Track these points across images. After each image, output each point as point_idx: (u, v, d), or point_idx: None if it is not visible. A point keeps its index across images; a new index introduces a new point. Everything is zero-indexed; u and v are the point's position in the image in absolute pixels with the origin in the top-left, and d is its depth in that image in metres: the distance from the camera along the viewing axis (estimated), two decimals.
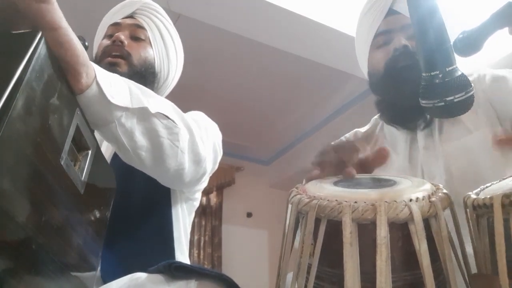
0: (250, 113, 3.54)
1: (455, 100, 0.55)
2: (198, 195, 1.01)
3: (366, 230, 0.40)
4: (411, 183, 0.47)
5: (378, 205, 0.40)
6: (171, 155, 0.70)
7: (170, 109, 0.71)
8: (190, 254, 3.48)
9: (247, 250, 4.03)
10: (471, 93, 0.55)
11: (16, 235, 0.37)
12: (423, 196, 0.42)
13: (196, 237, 3.80)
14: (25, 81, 0.38)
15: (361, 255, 0.39)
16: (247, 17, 2.23)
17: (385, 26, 0.90)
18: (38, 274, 0.42)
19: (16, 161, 0.36)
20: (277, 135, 3.89)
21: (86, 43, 0.78)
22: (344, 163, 0.54)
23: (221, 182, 4.03)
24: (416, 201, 0.41)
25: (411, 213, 0.40)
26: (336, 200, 0.42)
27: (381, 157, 0.59)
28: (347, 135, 1.05)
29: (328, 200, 0.43)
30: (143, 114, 0.64)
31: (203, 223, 3.90)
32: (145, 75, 0.96)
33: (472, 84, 0.56)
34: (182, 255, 0.92)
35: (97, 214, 0.58)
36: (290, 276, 0.46)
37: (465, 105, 0.56)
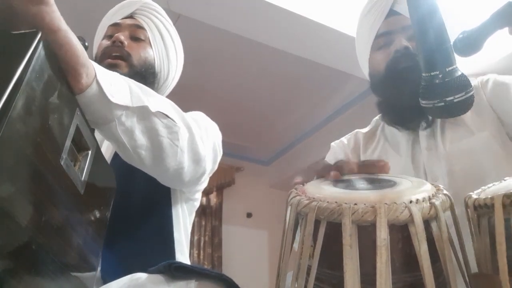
0: (250, 113, 3.54)
1: (455, 100, 0.55)
2: (199, 196, 1.01)
3: (366, 232, 0.40)
4: (411, 183, 0.47)
5: (378, 207, 0.39)
6: (171, 154, 0.70)
7: (170, 108, 0.72)
8: (190, 255, 3.47)
9: (247, 250, 4.03)
10: (471, 93, 0.55)
11: (16, 235, 0.37)
12: (423, 198, 0.42)
13: (196, 238, 3.80)
14: (25, 81, 0.37)
15: (361, 257, 0.39)
16: (247, 17, 2.23)
17: (386, 27, 0.90)
18: (38, 274, 0.42)
19: (16, 161, 0.36)
20: (277, 135, 3.89)
21: (86, 44, 0.78)
22: (330, 167, 0.53)
23: (221, 182, 4.03)
24: (416, 202, 0.41)
25: (411, 215, 0.39)
26: (336, 202, 0.42)
27: (380, 169, 0.57)
28: (347, 135, 1.05)
29: (327, 201, 0.42)
30: (143, 113, 0.64)
31: (203, 223, 3.90)
32: (145, 76, 0.95)
33: (472, 85, 0.55)
34: (182, 255, 0.92)
35: (97, 214, 0.58)
36: (290, 275, 0.46)
37: (465, 105, 0.56)
